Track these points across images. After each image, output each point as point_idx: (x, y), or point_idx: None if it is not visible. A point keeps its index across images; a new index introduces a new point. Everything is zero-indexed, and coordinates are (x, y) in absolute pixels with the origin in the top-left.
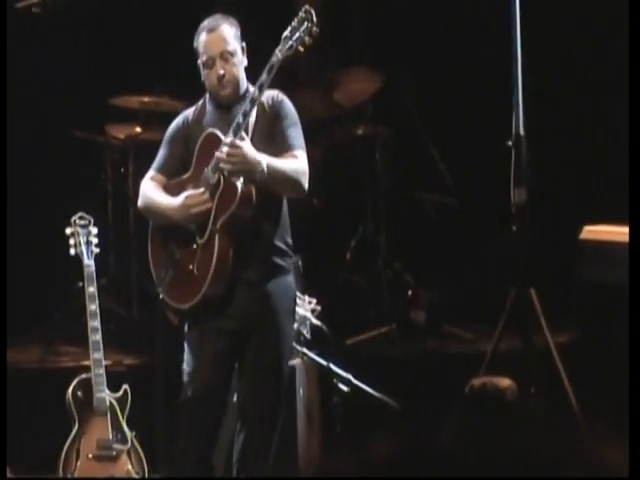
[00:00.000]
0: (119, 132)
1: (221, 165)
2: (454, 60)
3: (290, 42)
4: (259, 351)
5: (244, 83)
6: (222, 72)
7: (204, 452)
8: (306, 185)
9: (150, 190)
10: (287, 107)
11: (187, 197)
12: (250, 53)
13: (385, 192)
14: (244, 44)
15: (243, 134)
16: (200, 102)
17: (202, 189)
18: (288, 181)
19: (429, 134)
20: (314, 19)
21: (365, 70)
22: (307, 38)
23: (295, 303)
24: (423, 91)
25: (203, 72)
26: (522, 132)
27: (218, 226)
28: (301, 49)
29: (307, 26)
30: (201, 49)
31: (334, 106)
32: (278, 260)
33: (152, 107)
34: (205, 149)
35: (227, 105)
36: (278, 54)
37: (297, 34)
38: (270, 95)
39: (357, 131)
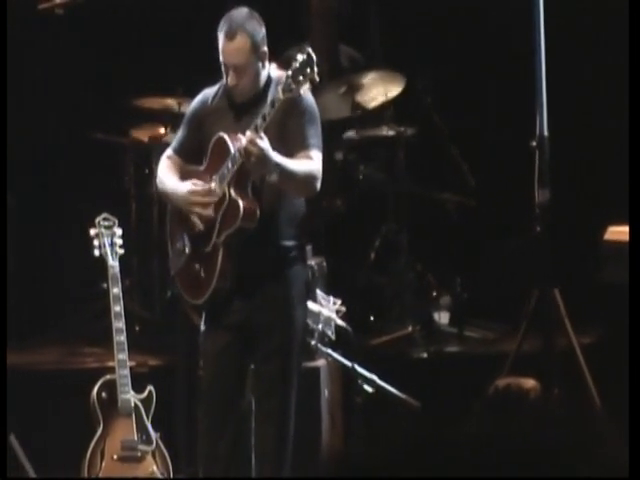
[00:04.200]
0: (143, 134)
1: (237, 155)
2: (477, 60)
3: (291, 85)
4: (268, 344)
5: (261, 84)
6: (234, 83)
7: (219, 447)
8: (317, 187)
9: (162, 169)
10: (305, 102)
11: (191, 193)
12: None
13: (407, 193)
14: (265, 48)
15: (262, 134)
16: (224, 81)
17: (206, 186)
18: (299, 183)
19: (451, 135)
20: (314, 65)
21: (385, 74)
22: (307, 84)
23: (307, 290)
24: (445, 92)
25: (222, 66)
26: (546, 133)
27: (222, 239)
28: (301, 92)
29: (307, 72)
30: (219, 49)
31: (355, 107)
32: (284, 255)
33: (175, 108)
34: (216, 152)
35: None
36: (280, 93)
37: (298, 78)
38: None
39: (379, 132)
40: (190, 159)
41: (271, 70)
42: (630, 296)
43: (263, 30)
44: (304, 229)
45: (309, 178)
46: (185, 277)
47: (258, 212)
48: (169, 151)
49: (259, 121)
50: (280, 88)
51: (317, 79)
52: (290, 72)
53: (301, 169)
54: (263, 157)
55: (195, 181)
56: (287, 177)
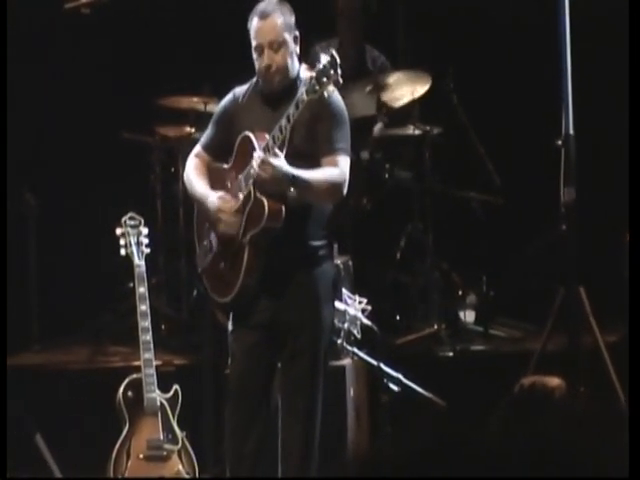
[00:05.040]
0: (169, 132)
1: (252, 172)
2: (503, 59)
3: (315, 86)
4: (295, 343)
5: (294, 72)
6: (269, 63)
7: (245, 446)
8: (342, 193)
9: (190, 169)
10: (334, 105)
11: (220, 210)
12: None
13: (433, 191)
14: (297, 33)
15: (277, 151)
16: (254, 80)
17: (234, 200)
18: (320, 193)
19: (477, 133)
20: (338, 68)
21: (412, 74)
22: (330, 87)
23: (334, 289)
24: (471, 90)
25: (254, 55)
26: (571, 131)
27: (247, 238)
28: (326, 95)
29: (331, 74)
30: (252, 34)
31: (381, 105)
32: (312, 254)
33: (201, 107)
34: (241, 151)
35: (274, 93)
36: (304, 94)
37: (322, 80)
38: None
39: (405, 131)
40: (218, 156)
41: (301, 71)
42: (631, 296)
43: (293, 18)
44: (331, 228)
45: (330, 188)
46: (211, 275)
47: (283, 212)
48: (197, 148)
49: (283, 121)
50: (304, 89)
51: (341, 81)
52: (314, 74)
53: (322, 179)
54: (276, 176)
55: (223, 195)
56: (306, 189)
